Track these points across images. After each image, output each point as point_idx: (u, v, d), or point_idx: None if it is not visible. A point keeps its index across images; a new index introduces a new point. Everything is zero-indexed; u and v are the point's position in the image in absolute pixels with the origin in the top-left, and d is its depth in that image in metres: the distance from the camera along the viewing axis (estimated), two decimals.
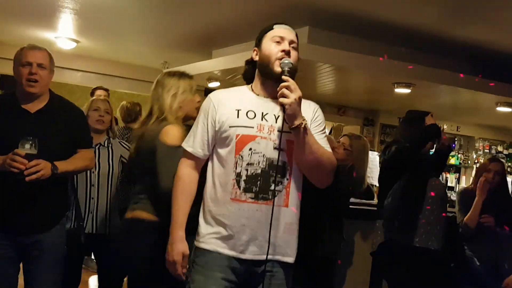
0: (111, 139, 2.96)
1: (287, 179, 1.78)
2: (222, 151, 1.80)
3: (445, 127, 7.87)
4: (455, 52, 4.71)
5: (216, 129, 1.80)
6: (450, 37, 4.43)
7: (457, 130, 8.26)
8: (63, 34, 6.04)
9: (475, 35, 4.30)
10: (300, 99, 1.68)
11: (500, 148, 8.57)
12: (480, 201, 3.28)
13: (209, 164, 1.86)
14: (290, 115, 1.67)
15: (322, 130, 1.88)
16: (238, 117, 1.78)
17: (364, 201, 3.92)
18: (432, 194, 3.05)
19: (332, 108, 7.80)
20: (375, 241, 3.14)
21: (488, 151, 8.45)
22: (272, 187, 1.74)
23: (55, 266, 2.34)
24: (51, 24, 5.54)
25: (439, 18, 3.97)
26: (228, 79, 6.00)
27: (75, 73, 7.51)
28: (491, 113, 6.02)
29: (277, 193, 1.75)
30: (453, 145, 8.49)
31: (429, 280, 2.95)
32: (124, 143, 3.05)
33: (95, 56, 7.28)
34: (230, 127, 1.78)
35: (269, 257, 1.75)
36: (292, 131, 1.69)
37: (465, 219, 3.36)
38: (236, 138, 1.76)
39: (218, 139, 1.81)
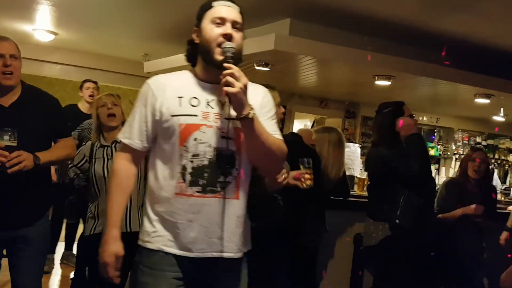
0: None
1: (237, 169, 1.65)
2: (164, 143, 1.66)
3: (424, 118, 7.99)
4: (434, 44, 4.77)
5: (157, 118, 1.65)
6: (429, 29, 4.48)
7: (436, 122, 8.38)
8: (40, 26, 5.93)
9: (454, 27, 4.35)
10: (246, 87, 1.54)
11: (479, 139, 8.72)
12: (460, 213, 3.37)
13: (151, 157, 1.72)
14: (237, 104, 1.53)
15: (271, 116, 1.73)
16: (180, 105, 1.64)
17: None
18: None
19: (314, 100, 7.84)
20: (375, 235, 3.08)
21: (467, 142, 8.60)
22: (220, 179, 1.62)
23: (39, 259, 2.36)
24: (28, 16, 5.43)
25: (418, 10, 4.01)
26: None
27: (54, 66, 7.39)
28: (470, 105, 6.12)
29: (227, 185, 1.63)
30: (433, 137, 8.61)
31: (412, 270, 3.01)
32: None
33: (74, 48, 7.17)
34: (172, 116, 1.62)
35: (218, 254, 1.64)
36: (240, 121, 1.57)
37: (441, 216, 3.44)
38: (179, 128, 1.61)
39: (160, 130, 1.66)
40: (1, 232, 2.24)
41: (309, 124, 8.76)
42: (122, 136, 1.74)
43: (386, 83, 5.14)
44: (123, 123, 2.89)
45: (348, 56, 4.54)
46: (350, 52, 4.51)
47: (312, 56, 4.58)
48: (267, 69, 5.14)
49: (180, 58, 6.06)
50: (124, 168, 1.73)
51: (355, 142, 6.63)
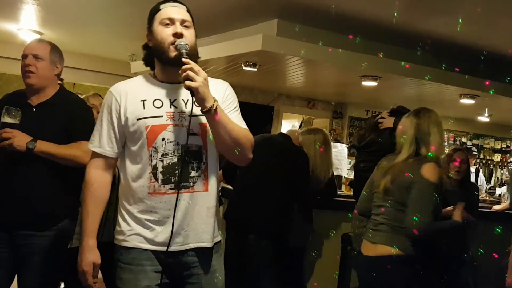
0: None
1: (204, 163, 1.72)
2: (133, 146, 1.71)
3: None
4: (420, 44, 4.81)
5: (123, 123, 1.70)
6: (414, 30, 4.52)
7: None
8: (25, 25, 5.87)
9: (438, 28, 4.40)
10: (206, 80, 1.59)
11: (464, 139, 8.82)
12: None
13: (121, 161, 1.77)
14: (200, 98, 1.58)
15: (235, 108, 1.79)
16: (144, 108, 1.69)
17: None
18: None
19: (302, 101, 7.87)
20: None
21: (452, 142, 8.70)
22: (192, 174, 1.68)
23: (46, 272, 2.18)
24: (13, 15, 5.36)
25: (404, 11, 4.05)
26: None
27: None
28: (455, 105, 6.19)
29: (196, 179, 1.69)
30: None
31: None
32: None
33: (60, 48, 7.09)
34: (137, 119, 1.68)
35: (194, 245, 1.71)
36: (205, 114, 1.61)
37: None
38: (146, 130, 1.67)
39: (127, 134, 1.71)
40: (9, 236, 2.15)
41: (297, 124, 8.79)
42: (92, 145, 1.78)
43: (373, 83, 5.18)
44: None
45: (335, 57, 4.56)
46: (337, 53, 4.54)
47: (299, 56, 4.60)
48: (255, 69, 5.14)
49: None
50: (97, 178, 1.77)
51: (342, 142, 6.66)
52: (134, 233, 1.70)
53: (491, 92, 5.05)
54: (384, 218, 2.32)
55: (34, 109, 2.23)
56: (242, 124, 1.76)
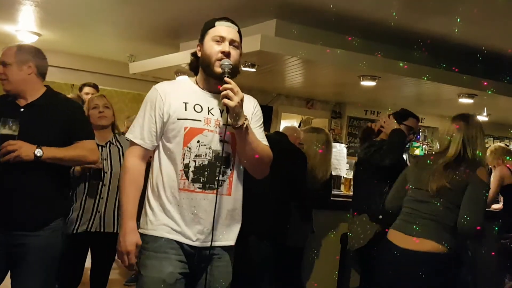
0: (117, 135, 2.94)
1: (231, 170, 1.87)
2: (169, 143, 1.84)
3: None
4: (418, 44, 4.82)
5: (164, 120, 1.84)
6: (413, 30, 4.53)
7: (421, 122, 8.46)
8: (24, 27, 5.86)
9: (437, 28, 4.41)
10: (242, 101, 1.76)
11: None
12: None
13: (156, 155, 1.89)
14: (234, 116, 1.75)
15: (260, 125, 1.98)
16: (186, 110, 1.84)
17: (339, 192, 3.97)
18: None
19: (301, 101, 7.87)
20: (364, 236, 3.10)
21: None
22: (218, 177, 1.83)
23: (40, 272, 2.19)
24: (11, 16, 5.36)
25: (402, 10, 4.05)
26: None
27: None
28: (453, 105, 6.20)
29: (222, 183, 1.84)
30: (418, 136, 8.69)
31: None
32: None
33: (59, 49, 7.08)
34: (178, 119, 1.83)
35: (215, 243, 1.84)
36: (235, 130, 1.79)
37: None
38: (184, 131, 1.82)
39: (166, 131, 1.85)
40: (4, 236, 2.16)
41: (296, 124, 8.79)
42: (132, 136, 1.90)
43: (371, 83, 5.19)
44: (113, 124, 2.92)
45: (334, 57, 4.57)
46: (336, 53, 4.54)
47: (298, 57, 4.60)
48: (254, 70, 5.15)
49: (166, 59, 6.07)
50: (136, 165, 1.89)
51: (342, 142, 6.67)
52: (162, 223, 1.82)
53: (490, 92, 5.06)
54: (430, 214, 2.36)
55: (23, 110, 2.24)
56: (264, 141, 1.94)
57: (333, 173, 4.39)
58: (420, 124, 8.49)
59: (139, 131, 1.88)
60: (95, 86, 4.56)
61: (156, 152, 1.89)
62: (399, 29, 4.52)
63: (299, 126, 8.30)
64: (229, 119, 1.78)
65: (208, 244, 1.84)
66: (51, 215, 2.24)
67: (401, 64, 4.73)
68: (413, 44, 4.72)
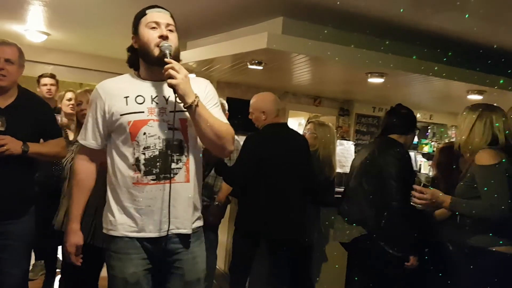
0: None
1: (186, 156, 1.83)
2: (118, 140, 1.83)
3: (418, 115, 8.02)
4: (426, 41, 4.79)
5: (107, 119, 1.84)
6: (421, 26, 4.49)
7: (430, 119, 8.42)
8: (32, 26, 5.90)
9: (445, 24, 4.37)
10: (187, 77, 1.71)
11: None
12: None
13: (107, 153, 1.89)
14: (181, 94, 1.70)
15: (216, 104, 1.91)
16: (127, 104, 1.81)
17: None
18: None
19: (308, 98, 7.85)
20: (349, 233, 3.07)
21: None
22: (173, 166, 1.79)
23: (22, 258, 2.42)
24: (20, 16, 5.39)
25: (410, 7, 4.03)
26: (203, 71, 5.96)
27: (46, 67, 7.33)
28: (462, 101, 6.14)
29: (178, 171, 1.81)
30: (427, 133, 8.65)
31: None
32: None
33: (67, 49, 7.14)
34: (121, 115, 1.81)
35: (175, 231, 1.82)
36: (187, 110, 1.73)
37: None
38: (128, 125, 1.79)
39: (112, 129, 1.84)
40: None
41: (303, 122, 8.78)
42: (79, 138, 1.94)
43: (379, 80, 5.16)
44: None
45: (341, 54, 4.55)
46: (343, 50, 4.52)
47: (305, 54, 4.59)
48: (261, 67, 5.14)
49: None
50: (83, 168, 1.94)
51: (349, 140, 6.65)
52: (120, 222, 1.83)
53: (501, 82, 4.99)
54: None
55: (3, 111, 2.33)
56: (223, 119, 1.87)
57: (341, 171, 4.38)
58: (429, 121, 8.49)
59: (84, 132, 1.91)
60: (52, 76, 4.41)
61: (108, 151, 1.88)
62: (407, 25, 4.49)
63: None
64: (178, 101, 1.73)
65: (170, 233, 1.81)
66: (29, 202, 2.45)
67: (409, 59, 4.70)
68: (421, 41, 4.69)
